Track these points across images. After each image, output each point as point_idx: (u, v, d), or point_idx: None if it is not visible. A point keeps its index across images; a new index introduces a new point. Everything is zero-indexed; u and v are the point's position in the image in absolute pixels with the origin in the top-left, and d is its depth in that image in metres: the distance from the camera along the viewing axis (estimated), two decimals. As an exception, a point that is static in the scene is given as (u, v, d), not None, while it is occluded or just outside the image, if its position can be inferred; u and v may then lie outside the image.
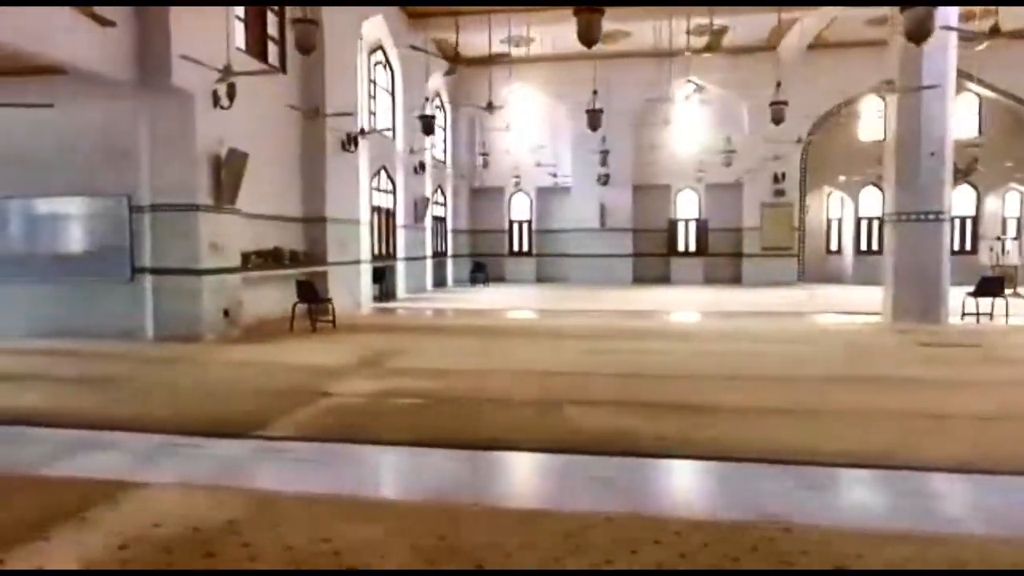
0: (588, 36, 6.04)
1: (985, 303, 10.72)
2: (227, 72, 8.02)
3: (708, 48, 12.14)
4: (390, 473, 4.11)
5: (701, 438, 4.40)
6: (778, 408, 5.31)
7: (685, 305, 14.48)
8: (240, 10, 10.05)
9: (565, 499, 3.46)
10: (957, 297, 10.90)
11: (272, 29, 11.20)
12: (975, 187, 19.63)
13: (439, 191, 20.03)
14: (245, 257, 9.77)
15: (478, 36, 15.67)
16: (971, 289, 10.93)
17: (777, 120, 12.62)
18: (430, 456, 4.13)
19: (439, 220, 20.30)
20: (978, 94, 19.00)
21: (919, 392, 5.96)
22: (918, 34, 6.22)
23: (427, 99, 16.35)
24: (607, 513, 3.15)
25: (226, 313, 9.10)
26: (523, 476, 4.05)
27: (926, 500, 3.51)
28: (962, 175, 14.69)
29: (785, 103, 12.36)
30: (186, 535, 2.90)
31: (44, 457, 4.09)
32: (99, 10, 7.12)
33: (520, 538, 2.89)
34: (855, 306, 13.25)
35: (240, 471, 3.89)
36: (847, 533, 2.93)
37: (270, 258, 10.71)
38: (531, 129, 21.89)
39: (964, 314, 10.68)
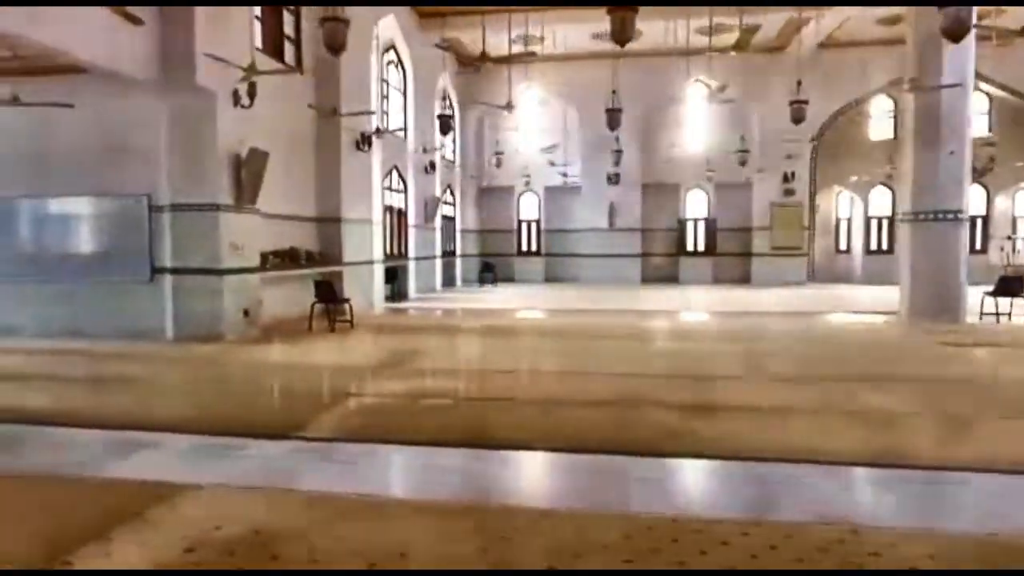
0: (622, 34, 6.00)
1: (1004, 302, 10.68)
2: (251, 71, 7.99)
3: (737, 46, 12.07)
4: (437, 474, 4.07)
5: (733, 437, 4.37)
6: (805, 408, 5.27)
7: (697, 305, 14.44)
8: (257, 9, 10.03)
9: (620, 500, 3.42)
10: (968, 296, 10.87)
11: (288, 28, 11.17)
12: (985, 186, 19.58)
13: (448, 191, 19.99)
14: (263, 257, 9.74)
15: (489, 36, 15.60)
16: (985, 289, 10.90)
17: (797, 119, 12.59)
18: (474, 457, 4.10)
19: (448, 220, 20.24)
20: (988, 93, 18.95)
21: (950, 392, 5.92)
22: (957, 32, 6.18)
23: (443, 99, 16.32)
24: (670, 514, 3.13)
25: (246, 313, 9.07)
26: (572, 477, 4.00)
27: (980, 500, 3.48)
28: (978, 174, 14.65)
29: (806, 102, 12.33)
30: (248, 537, 2.88)
31: (89, 459, 4.06)
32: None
33: (585, 539, 2.86)
34: (868, 305, 13.23)
35: (287, 472, 3.86)
36: (913, 534, 2.91)
37: (287, 258, 10.69)
38: (540, 129, 21.85)
39: (983, 313, 10.65)
